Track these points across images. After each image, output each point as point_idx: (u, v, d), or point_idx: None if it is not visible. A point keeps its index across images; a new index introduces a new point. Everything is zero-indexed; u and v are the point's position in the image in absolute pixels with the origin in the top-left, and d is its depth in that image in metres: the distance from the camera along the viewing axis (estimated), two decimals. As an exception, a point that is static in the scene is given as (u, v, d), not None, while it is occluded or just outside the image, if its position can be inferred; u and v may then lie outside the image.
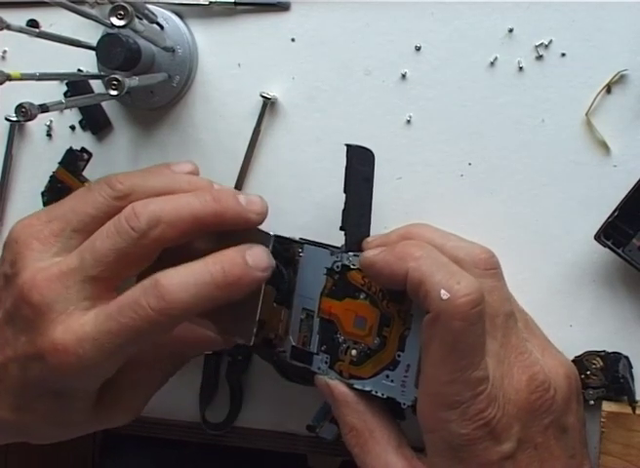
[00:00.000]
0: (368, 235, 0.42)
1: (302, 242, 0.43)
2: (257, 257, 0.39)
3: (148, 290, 0.37)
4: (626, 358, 0.43)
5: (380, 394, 0.40)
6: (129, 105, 0.49)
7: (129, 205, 0.39)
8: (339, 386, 0.41)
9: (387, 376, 0.40)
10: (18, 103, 0.39)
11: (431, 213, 0.46)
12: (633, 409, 0.41)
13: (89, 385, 0.41)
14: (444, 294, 0.35)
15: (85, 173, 0.49)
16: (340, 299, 0.42)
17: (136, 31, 0.41)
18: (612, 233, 0.41)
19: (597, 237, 0.41)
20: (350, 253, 0.41)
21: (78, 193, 0.42)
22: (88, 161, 0.49)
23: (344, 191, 0.41)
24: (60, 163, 0.49)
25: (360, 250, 0.41)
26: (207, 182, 0.43)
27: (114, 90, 0.39)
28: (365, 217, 0.42)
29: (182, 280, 0.38)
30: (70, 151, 0.49)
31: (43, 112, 0.40)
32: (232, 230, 0.41)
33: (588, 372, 0.43)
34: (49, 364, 0.38)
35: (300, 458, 0.67)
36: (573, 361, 0.43)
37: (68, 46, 0.44)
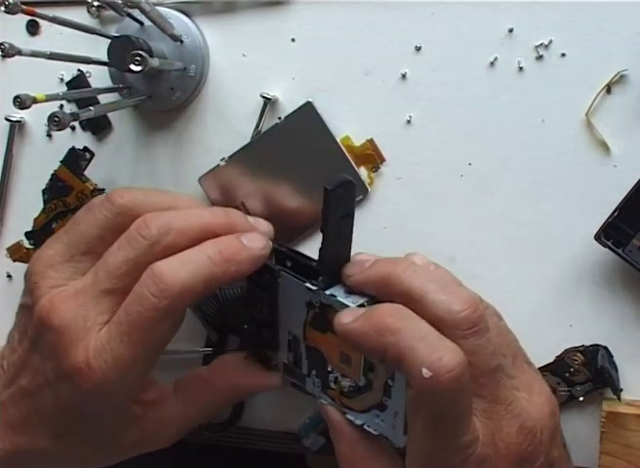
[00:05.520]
0: (348, 261, 0.40)
1: (280, 269, 0.41)
2: (251, 238, 0.40)
3: (145, 279, 0.37)
4: (605, 348, 0.43)
5: (372, 430, 0.40)
6: (150, 109, 0.49)
7: (140, 217, 0.39)
8: (334, 415, 0.41)
9: (377, 416, 0.39)
10: (50, 113, 0.39)
11: (431, 213, 0.46)
12: (618, 397, 0.42)
13: (120, 400, 0.40)
14: (426, 373, 0.33)
15: (85, 172, 0.49)
16: (324, 332, 0.40)
17: (142, 11, 0.41)
18: (612, 233, 0.41)
19: (597, 237, 0.41)
20: (327, 293, 0.39)
21: (80, 214, 0.41)
22: (90, 161, 0.49)
23: (321, 230, 0.38)
24: (61, 161, 0.49)
25: (339, 281, 0.40)
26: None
27: (137, 65, 0.38)
28: (344, 253, 0.40)
29: (178, 262, 0.38)
30: (73, 150, 0.49)
31: (74, 121, 0.40)
32: None
33: (572, 370, 0.43)
34: (77, 385, 0.38)
35: (299, 458, 0.67)
36: (555, 360, 0.43)
37: (69, 47, 0.44)
